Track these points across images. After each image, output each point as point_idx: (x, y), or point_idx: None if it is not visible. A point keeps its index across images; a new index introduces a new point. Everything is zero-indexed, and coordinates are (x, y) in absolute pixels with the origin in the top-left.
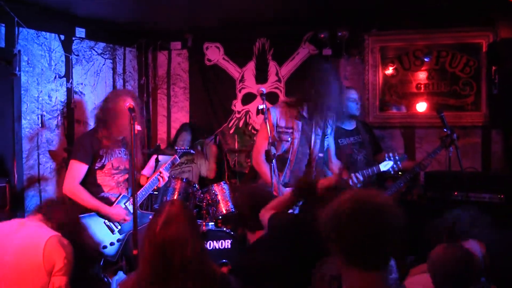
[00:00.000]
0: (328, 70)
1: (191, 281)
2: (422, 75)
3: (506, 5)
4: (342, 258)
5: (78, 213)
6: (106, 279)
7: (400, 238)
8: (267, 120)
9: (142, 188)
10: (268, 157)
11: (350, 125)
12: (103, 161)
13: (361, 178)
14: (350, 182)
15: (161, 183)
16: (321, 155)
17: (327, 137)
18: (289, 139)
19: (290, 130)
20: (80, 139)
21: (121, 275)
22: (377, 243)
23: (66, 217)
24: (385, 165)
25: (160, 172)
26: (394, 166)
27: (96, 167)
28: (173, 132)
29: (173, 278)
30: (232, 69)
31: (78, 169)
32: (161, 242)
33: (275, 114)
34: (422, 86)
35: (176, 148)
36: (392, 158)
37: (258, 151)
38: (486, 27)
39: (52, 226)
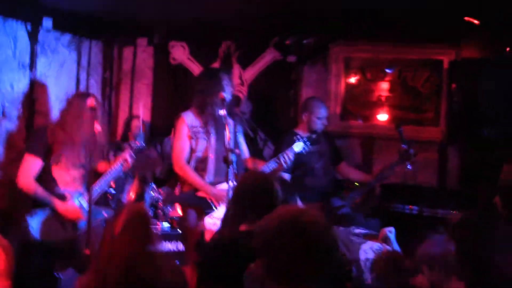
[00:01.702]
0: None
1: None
2: (384, 87)
3: (471, 25)
4: (266, 274)
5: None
6: (57, 275)
7: (329, 258)
8: (226, 126)
9: (101, 178)
10: (227, 162)
11: (312, 135)
12: (58, 156)
13: (274, 164)
14: (284, 165)
15: (125, 169)
16: (237, 151)
17: (238, 134)
18: (205, 137)
19: (205, 129)
20: (37, 132)
21: (71, 272)
22: (300, 262)
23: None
24: (297, 146)
25: (126, 158)
26: (305, 147)
27: (51, 162)
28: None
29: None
30: (196, 69)
31: (32, 163)
32: (117, 250)
33: (189, 117)
34: (383, 97)
35: (130, 144)
36: (301, 139)
37: (179, 156)
38: (450, 45)
39: None
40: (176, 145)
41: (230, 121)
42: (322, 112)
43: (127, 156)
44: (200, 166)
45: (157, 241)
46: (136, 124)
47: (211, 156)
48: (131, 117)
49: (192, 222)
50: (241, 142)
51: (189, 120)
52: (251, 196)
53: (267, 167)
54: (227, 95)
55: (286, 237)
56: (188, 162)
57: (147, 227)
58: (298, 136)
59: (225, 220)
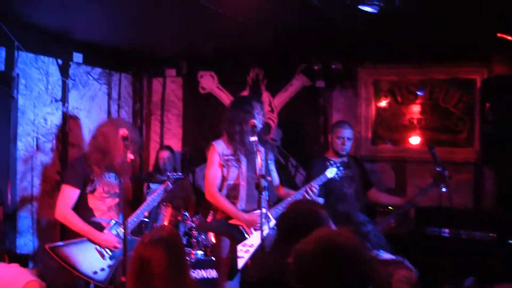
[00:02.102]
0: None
1: None
2: (415, 109)
3: (502, 42)
4: None
5: None
6: None
7: (366, 277)
8: (257, 153)
9: (133, 214)
10: (259, 188)
11: (341, 159)
12: (94, 184)
13: (317, 187)
14: (311, 197)
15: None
16: (269, 178)
17: (270, 162)
18: (236, 165)
19: (236, 157)
20: (72, 163)
21: None
22: (331, 283)
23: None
24: (330, 172)
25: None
26: (338, 172)
27: (87, 191)
28: None
29: None
30: (225, 98)
31: (69, 193)
32: (143, 258)
33: (220, 145)
34: (414, 120)
35: (168, 174)
36: (334, 165)
37: (211, 183)
38: (481, 63)
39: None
40: (208, 174)
41: (261, 148)
42: (341, 131)
43: (163, 189)
44: (232, 194)
45: (189, 266)
46: (162, 156)
47: (243, 184)
48: (160, 149)
49: (224, 250)
50: (272, 170)
51: (220, 148)
52: (298, 226)
53: (294, 198)
54: (258, 122)
55: (325, 260)
56: (220, 190)
57: (178, 247)
58: (331, 162)
59: (271, 251)
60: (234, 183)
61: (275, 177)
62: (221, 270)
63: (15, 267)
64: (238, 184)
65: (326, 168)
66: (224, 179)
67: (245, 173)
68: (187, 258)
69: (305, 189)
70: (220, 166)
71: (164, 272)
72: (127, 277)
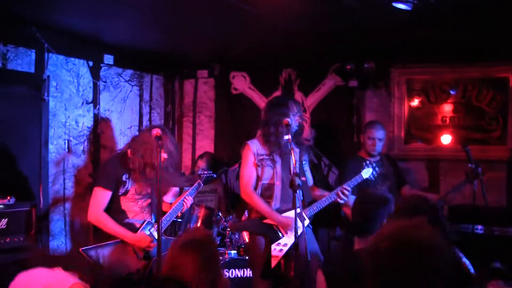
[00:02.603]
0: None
1: None
2: (447, 108)
3: None
4: None
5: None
6: None
7: (444, 276)
8: (292, 151)
9: (166, 214)
10: (293, 186)
11: (374, 158)
12: (126, 186)
13: (349, 189)
14: (341, 201)
15: (185, 209)
16: (303, 178)
17: (305, 163)
18: (271, 165)
19: (271, 157)
20: (104, 165)
21: None
22: (413, 283)
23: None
24: (366, 172)
25: (185, 198)
26: (374, 172)
27: (120, 193)
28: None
29: None
30: (258, 98)
31: (102, 196)
32: (177, 262)
33: (255, 145)
34: (447, 119)
35: (199, 172)
36: (370, 165)
37: (246, 182)
38: None
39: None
40: (243, 173)
41: (296, 149)
42: (373, 132)
43: (187, 196)
44: (267, 194)
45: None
46: (200, 165)
47: (277, 184)
48: (198, 157)
49: (259, 249)
50: (306, 170)
51: (255, 148)
52: None
53: (327, 199)
54: (293, 123)
55: (402, 257)
56: (255, 189)
57: (211, 249)
58: (367, 161)
59: None
60: (269, 183)
61: (309, 177)
62: (255, 269)
63: (58, 271)
64: (273, 184)
65: (361, 167)
66: (258, 178)
67: (279, 173)
68: (219, 259)
69: (337, 192)
70: (255, 165)
71: (197, 275)
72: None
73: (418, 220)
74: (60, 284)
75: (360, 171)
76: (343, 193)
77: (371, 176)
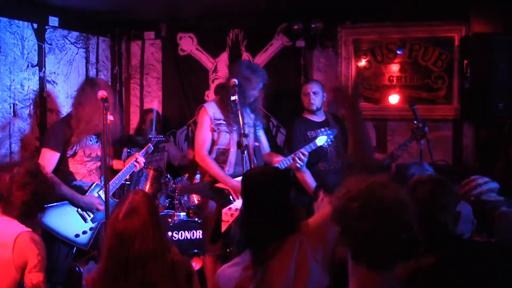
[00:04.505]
0: (249, 66)
1: (152, 272)
2: (394, 68)
3: None
4: (349, 252)
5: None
6: (77, 269)
7: (411, 238)
8: (239, 112)
9: (116, 176)
10: (240, 147)
11: (319, 117)
12: (74, 148)
13: (306, 154)
14: (298, 165)
15: (137, 169)
16: (256, 144)
17: (258, 128)
18: (228, 130)
19: (227, 122)
20: (52, 127)
21: (92, 265)
22: (385, 242)
23: (25, 194)
24: (320, 140)
25: (136, 158)
26: (328, 140)
27: (68, 155)
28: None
29: (133, 269)
30: (205, 59)
31: (50, 157)
32: (122, 231)
33: (212, 108)
34: (394, 78)
35: (150, 136)
36: (325, 132)
37: (201, 146)
38: (459, 21)
39: (16, 213)
40: (197, 136)
41: (251, 115)
42: (306, 87)
43: (139, 156)
44: (221, 158)
45: (164, 226)
46: (150, 117)
47: (232, 150)
48: (145, 110)
49: (210, 212)
50: (260, 136)
51: (211, 111)
52: None
53: (282, 164)
54: (252, 91)
55: (372, 215)
56: (210, 153)
57: (152, 207)
58: (323, 130)
59: None
60: (224, 148)
61: (264, 143)
62: (206, 233)
63: (3, 219)
64: (228, 150)
65: (307, 129)
66: (214, 143)
67: (236, 139)
68: (162, 219)
69: (293, 156)
70: (211, 130)
71: (142, 241)
72: (103, 250)
73: (381, 176)
74: (7, 231)
75: (309, 135)
76: (299, 158)
77: (325, 145)
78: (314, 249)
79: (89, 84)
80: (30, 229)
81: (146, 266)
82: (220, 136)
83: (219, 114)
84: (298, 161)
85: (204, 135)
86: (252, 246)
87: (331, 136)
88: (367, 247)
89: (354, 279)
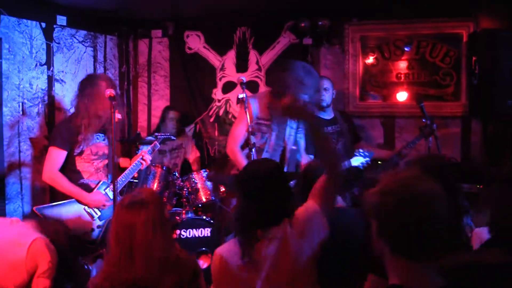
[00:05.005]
0: (304, 66)
1: (155, 267)
2: (402, 65)
3: None
4: (387, 245)
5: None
6: (86, 266)
7: (447, 229)
8: (247, 110)
9: (123, 174)
10: (248, 145)
11: (328, 115)
12: (81, 147)
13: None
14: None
15: (143, 167)
16: (294, 147)
17: (300, 131)
18: (267, 131)
19: (269, 122)
20: (59, 125)
21: (100, 262)
22: (424, 232)
23: (56, 236)
24: (356, 160)
25: (143, 156)
26: (364, 163)
27: (75, 153)
28: (154, 121)
29: (136, 262)
30: (212, 57)
31: (57, 155)
32: (127, 221)
33: (255, 105)
34: (402, 75)
35: (156, 134)
36: (362, 154)
37: (234, 139)
38: (467, 18)
39: (43, 232)
40: (234, 129)
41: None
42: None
43: (145, 154)
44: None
45: (170, 225)
46: (172, 116)
47: (268, 152)
48: (166, 108)
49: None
50: (300, 140)
51: (254, 109)
52: None
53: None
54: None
55: (410, 206)
56: (242, 148)
57: (157, 203)
58: (360, 151)
59: None
60: (259, 147)
61: (301, 147)
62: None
63: (18, 223)
64: (262, 150)
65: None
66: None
67: (273, 141)
68: (168, 218)
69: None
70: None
71: (146, 234)
72: (110, 240)
73: (414, 171)
74: (22, 238)
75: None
76: None
77: (361, 166)
78: (299, 236)
79: (93, 81)
80: (48, 238)
81: (148, 261)
82: (257, 138)
83: (261, 114)
84: None
85: (239, 131)
86: (243, 231)
87: (368, 159)
88: (405, 239)
89: (394, 272)
